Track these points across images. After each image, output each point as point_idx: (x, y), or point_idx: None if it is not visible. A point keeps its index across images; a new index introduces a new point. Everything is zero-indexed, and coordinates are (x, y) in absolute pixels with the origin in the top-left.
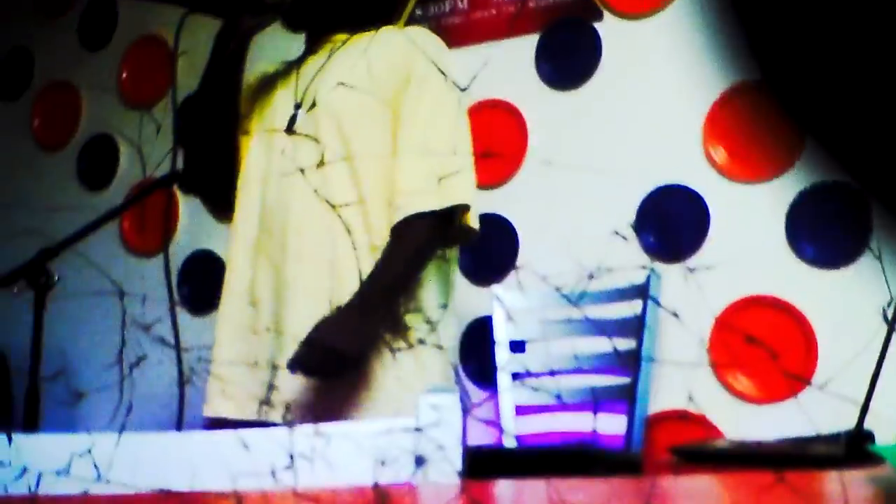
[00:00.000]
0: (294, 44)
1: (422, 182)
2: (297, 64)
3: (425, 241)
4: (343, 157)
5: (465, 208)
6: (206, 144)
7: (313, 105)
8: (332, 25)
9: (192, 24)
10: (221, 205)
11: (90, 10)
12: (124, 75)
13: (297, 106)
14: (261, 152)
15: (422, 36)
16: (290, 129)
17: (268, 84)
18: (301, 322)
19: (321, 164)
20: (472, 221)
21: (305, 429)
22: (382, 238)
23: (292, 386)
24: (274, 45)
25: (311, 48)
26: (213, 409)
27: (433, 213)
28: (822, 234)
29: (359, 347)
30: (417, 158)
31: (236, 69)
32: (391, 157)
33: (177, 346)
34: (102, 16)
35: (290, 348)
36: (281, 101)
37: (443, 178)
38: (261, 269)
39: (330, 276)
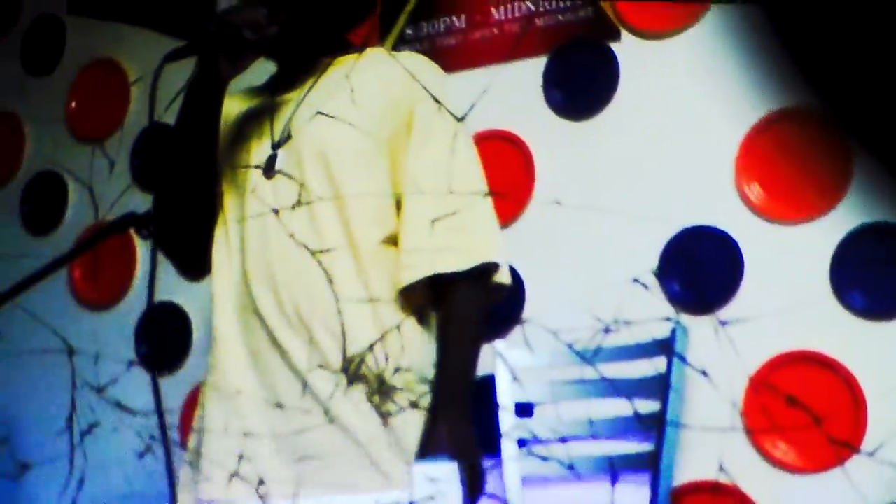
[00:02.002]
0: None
1: (438, 237)
2: (270, 95)
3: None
4: (330, 198)
5: (493, 266)
6: (180, 201)
7: (292, 139)
8: (319, 50)
9: (150, 46)
10: (195, 264)
11: (34, 30)
12: (73, 104)
13: (276, 145)
14: (235, 198)
15: (421, 66)
16: (269, 169)
17: (237, 120)
18: (303, 394)
19: (301, 204)
20: (502, 277)
21: None
22: (381, 290)
23: (268, 457)
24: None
25: (290, 76)
26: (205, 492)
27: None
28: (873, 280)
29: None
30: (430, 209)
31: (214, 120)
32: (388, 199)
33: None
34: (48, 37)
35: (294, 420)
36: (255, 138)
37: (463, 231)
38: (252, 333)
39: (332, 339)
